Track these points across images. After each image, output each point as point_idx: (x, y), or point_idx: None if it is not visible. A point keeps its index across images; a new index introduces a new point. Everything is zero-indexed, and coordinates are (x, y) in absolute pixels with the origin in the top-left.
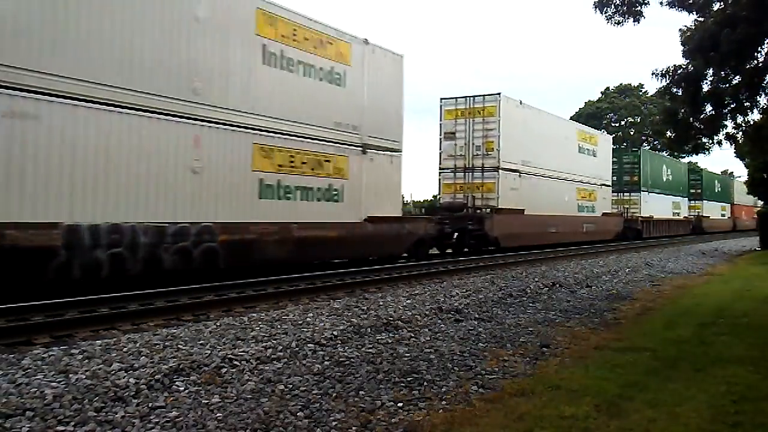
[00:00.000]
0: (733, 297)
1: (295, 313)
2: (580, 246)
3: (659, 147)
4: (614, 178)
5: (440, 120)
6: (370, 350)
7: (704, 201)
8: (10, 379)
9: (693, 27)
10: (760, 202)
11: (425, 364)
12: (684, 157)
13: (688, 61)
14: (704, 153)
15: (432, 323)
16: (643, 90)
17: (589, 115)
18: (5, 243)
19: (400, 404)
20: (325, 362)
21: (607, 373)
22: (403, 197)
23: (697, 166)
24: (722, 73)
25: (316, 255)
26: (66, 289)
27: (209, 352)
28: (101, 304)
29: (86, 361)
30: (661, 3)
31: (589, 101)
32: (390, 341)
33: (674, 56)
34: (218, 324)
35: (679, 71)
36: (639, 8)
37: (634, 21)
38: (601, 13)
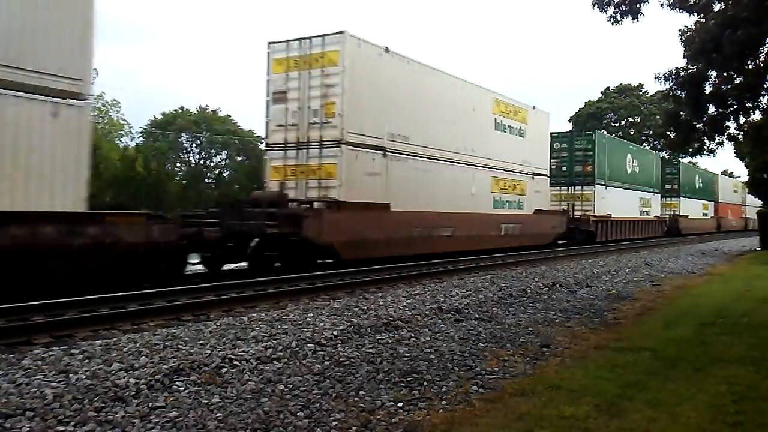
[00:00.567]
0: (733, 297)
1: (295, 313)
2: (493, 254)
3: (660, 148)
4: (563, 169)
5: (267, 75)
6: (370, 350)
7: (682, 198)
8: (10, 379)
9: (693, 28)
10: (750, 201)
11: (425, 364)
12: (684, 157)
13: (690, 63)
14: (708, 155)
15: (432, 323)
16: (643, 90)
17: (589, 115)
18: None
19: (400, 404)
20: (325, 362)
21: (607, 373)
22: None
23: (674, 158)
24: (725, 74)
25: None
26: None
27: (209, 352)
28: (101, 304)
29: (86, 361)
30: (661, 5)
31: (589, 101)
32: (390, 341)
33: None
34: (218, 324)
35: (681, 74)
36: (638, 6)
37: (633, 19)
38: (601, 11)
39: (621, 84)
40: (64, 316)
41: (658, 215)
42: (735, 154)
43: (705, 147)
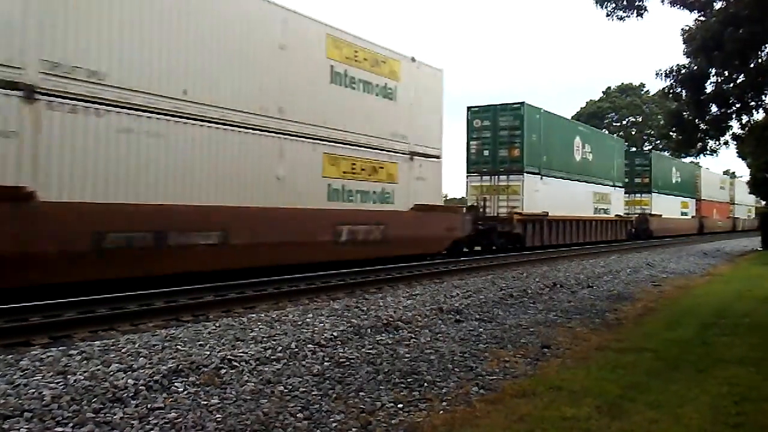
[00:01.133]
0: (734, 297)
1: (294, 314)
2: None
3: (663, 148)
4: (485, 153)
5: None
6: (370, 351)
7: (654, 194)
8: (8, 380)
9: (695, 26)
10: (740, 199)
11: (425, 364)
12: (684, 157)
13: (692, 60)
14: (712, 155)
15: (432, 324)
16: (645, 89)
17: (591, 115)
18: None
19: (400, 405)
20: (325, 363)
21: (608, 373)
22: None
23: (644, 148)
24: (726, 72)
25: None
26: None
27: (208, 352)
28: (100, 304)
29: (85, 361)
30: (662, 1)
31: (591, 101)
32: (390, 342)
33: (676, 55)
34: (217, 325)
35: (682, 71)
36: (642, 2)
37: (637, 15)
38: (602, 8)
39: (622, 83)
40: (63, 316)
41: (622, 214)
42: (737, 154)
43: (708, 147)
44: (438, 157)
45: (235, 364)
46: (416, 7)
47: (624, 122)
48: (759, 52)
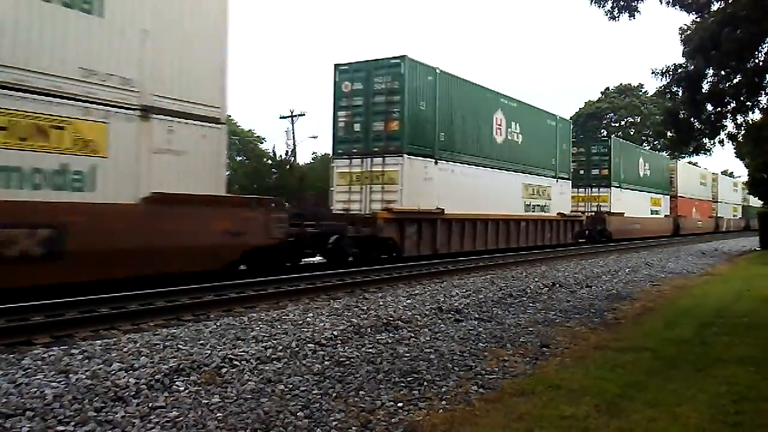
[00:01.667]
0: (733, 297)
1: (295, 313)
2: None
3: (661, 147)
4: (355, 127)
5: None
6: (370, 350)
7: (615, 189)
8: (10, 379)
9: (693, 26)
10: (725, 197)
11: (425, 364)
12: (684, 156)
13: (689, 60)
14: (706, 154)
15: (432, 323)
16: (643, 90)
17: (589, 115)
18: None
19: (400, 404)
20: (325, 362)
21: (607, 373)
22: None
23: (603, 136)
24: (723, 72)
25: None
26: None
27: (209, 352)
28: (101, 304)
29: (86, 361)
30: (660, 1)
31: (589, 101)
32: (390, 341)
33: (674, 56)
34: (218, 324)
35: (679, 70)
36: (635, 3)
37: (629, 16)
38: (599, 6)
39: (621, 84)
40: (64, 316)
41: (567, 212)
42: (735, 154)
43: (704, 146)
44: (216, 120)
45: (236, 363)
46: (414, 6)
47: (622, 123)
48: (756, 53)
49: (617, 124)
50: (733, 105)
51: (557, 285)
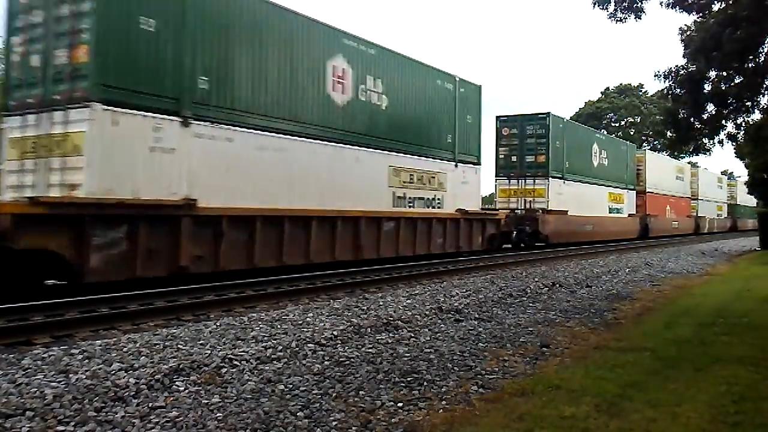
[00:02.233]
0: (733, 297)
1: (295, 313)
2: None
3: (660, 147)
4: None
5: None
6: (370, 350)
7: (555, 180)
8: (10, 379)
9: (693, 27)
10: (707, 194)
11: (425, 364)
12: (684, 156)
13: (690, 61)
14: (705, 154)
15: (432, 323)
16: (643, 90)
17: (589, 115)
18: None
19: (400, 404)
20: (325, 362)
21: (607, 373)
22: None
23: (542, 112)
24: (724, 73)
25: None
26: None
27: (209, 352)
28: (101, 303)
29: (86, 361)
30: (660, 3)
31: (589, 101)
32: (390, 341)
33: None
34: (218, 324)
35: (680, 72)
36: (640, 4)
37: (635, 17)
38: (601, 9)
39: (621, 84)
40: (64, 316)
41: (471, 209)
42: (735, 154)
43: (703, 145)
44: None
45: (236, 363)
46: (412, 5)
47: (622, 123)
48: (757, 53)
49: (617, 124)
50: (734, 106)
51: (557, 285)
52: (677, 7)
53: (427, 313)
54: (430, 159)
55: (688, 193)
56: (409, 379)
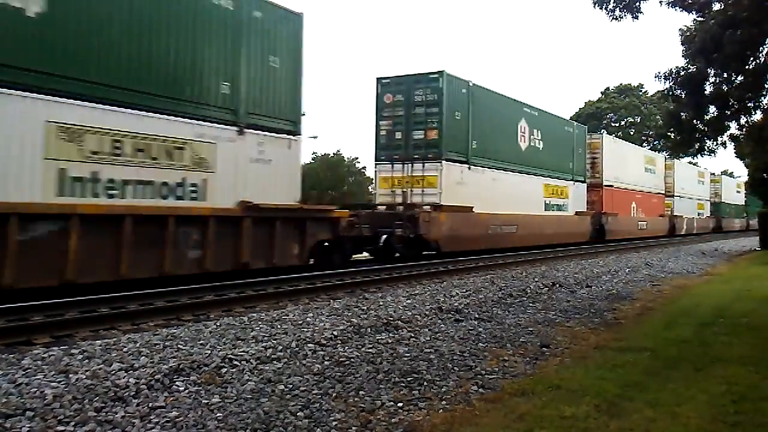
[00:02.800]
0: (733, 297)
1: (295, 313)
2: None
3: (661, 148)
4: None
5: None
6: (370, 350)
7: (450, 165)
8: (10, 379)
9: (693, 27)
10: (687, 190)
11: (425, 364)
12: (683, 157)
13: (690, 62)
14: (709, 155)
15: (432, 323)
16: (643, 90)
17: (589, 115)
18: None
19: (400, 404)
20: (325, 362)
21: (607, 373)
22: None
23: (434, 71)
24: (725, 74)
25: None
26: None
27: (209, 352)
28: (101, 303)
29: (86, 361)
30: (660, 2)
31: (589, 101)
32: (390, 341)
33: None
34: (218, 324)
35: (681, 73)
36: (638, 3)
37: (633, 17)
38: (601, 8)
39: (621, 84)
40: (64, 316)
41: (261, 202)
42: (735, 154)
43: (706, 147)
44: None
45: (236, 363)
46: (418, 6)
47: (622, 123)
48: (757, 54)
49: (617, 124)
50: (736, 107)
51: (557, 285)
52: (677, 6)
53: (427, 313)
54: (172, 117)
55: (661, 189)
56: (409, 379)
